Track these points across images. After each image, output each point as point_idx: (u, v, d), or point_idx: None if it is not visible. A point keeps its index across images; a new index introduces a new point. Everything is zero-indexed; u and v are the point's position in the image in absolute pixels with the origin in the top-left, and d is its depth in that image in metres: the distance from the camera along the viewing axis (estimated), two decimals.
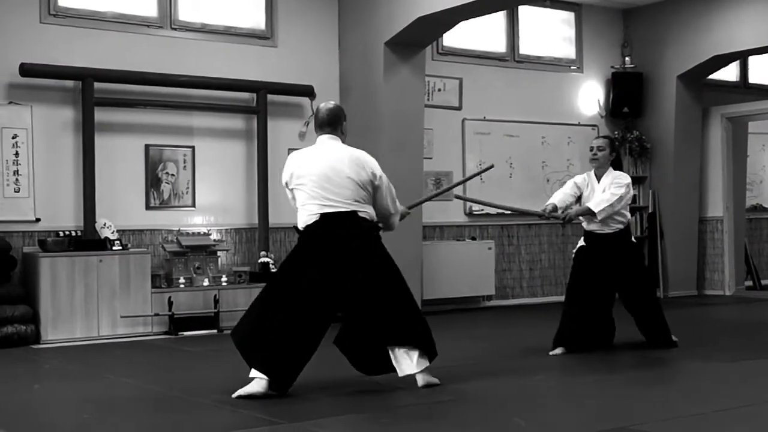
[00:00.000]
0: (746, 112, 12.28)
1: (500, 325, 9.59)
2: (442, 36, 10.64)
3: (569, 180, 7.45)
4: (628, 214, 7.25)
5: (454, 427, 4.81)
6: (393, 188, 5.85)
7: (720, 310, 10.74)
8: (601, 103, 12.28)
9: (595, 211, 6.97)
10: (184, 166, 9.50)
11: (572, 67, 12.11)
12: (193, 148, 9.55)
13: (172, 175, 9.44)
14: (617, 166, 7.31)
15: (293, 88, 9.95)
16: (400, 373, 5.63)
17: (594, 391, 5.77)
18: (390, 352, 5.62)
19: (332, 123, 5.79)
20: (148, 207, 9.32)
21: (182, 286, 8.95)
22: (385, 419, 4.97)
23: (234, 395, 5.42)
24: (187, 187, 9.51)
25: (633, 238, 7.35)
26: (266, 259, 9.43)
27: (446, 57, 11.05)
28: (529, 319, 9.92)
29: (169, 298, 8.75)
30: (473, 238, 11.15)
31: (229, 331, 8.76)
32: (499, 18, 11.39)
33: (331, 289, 5.52)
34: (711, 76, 12.41)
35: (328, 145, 5.74)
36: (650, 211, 12.25)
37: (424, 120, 10.13)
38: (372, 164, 5.71)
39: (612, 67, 12.28)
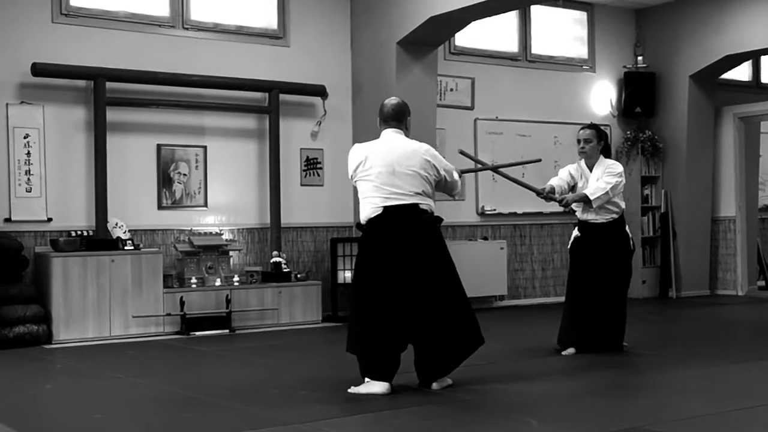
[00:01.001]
0: (759, 112, 12.24)
1: (513, 325, 9.57)
2: (454, 36, 10.64)
3: (563, 168, 7.40)
4: (623, 203, 7.24)
5: (467, 427, 4.81)
6: (452, 167, 5.93)
7: (732, 310, 10.70)
8: (614, 102, 12.25)
9: (591, 198, 6.99)
10: (196, 166, 9.51)
11: (584, 67, 12.08)
12: (205, 147, 9.56)
13: (184, 174, 9.45)
14: (607, 153, 7.30)
15: (305, 87, 9.95)
16: (423, 386, 5.71)
17: (605, 391, 5.76)
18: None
19: (398, 117, 5.89)
20: (160, 207, 9.33)
21: (194, 286, 8.96)
22: (396, 419, 4.96)
23: (350, 390, 5.60)
24: (199, 187, 9.51)
25: (627, 228, 7.30)
26: (278, 259, 9.42)
27: (458, 57, 11.03)
28: (542, 319, 9.87)
29: (181, 298, 8.76)
30: (485, 238, 11.13)
31: (240, 331, 8.88)
32: (511, 18, 11.37)
33: (403, 283, 5.60)
34: (723, 76, 12.38)
35: (394, 138, 5.84)
36: (663, 210, 12.20)
37: (436, 120, 10.12)
38: (438, 159, 5.83)
39: (624, 66, 12.25)
